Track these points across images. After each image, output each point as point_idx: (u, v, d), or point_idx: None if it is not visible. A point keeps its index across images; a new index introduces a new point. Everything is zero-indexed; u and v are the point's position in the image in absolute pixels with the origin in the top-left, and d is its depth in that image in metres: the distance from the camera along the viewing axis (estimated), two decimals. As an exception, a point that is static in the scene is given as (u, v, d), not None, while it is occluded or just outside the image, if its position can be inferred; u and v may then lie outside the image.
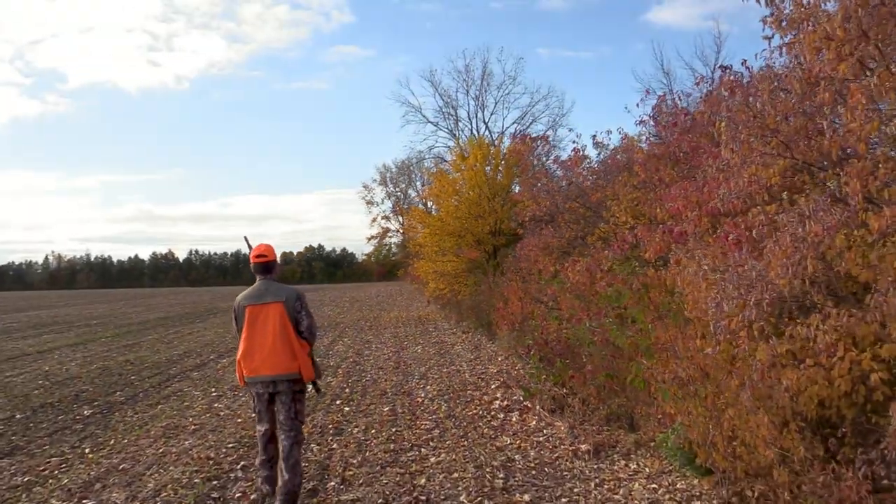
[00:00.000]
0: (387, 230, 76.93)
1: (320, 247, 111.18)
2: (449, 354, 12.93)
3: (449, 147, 44.39)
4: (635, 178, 9.80)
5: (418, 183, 65.39)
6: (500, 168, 25.00)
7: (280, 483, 4.72)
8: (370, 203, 74.37)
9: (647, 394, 5.96)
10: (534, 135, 12.62)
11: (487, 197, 24.43)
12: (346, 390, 9.50)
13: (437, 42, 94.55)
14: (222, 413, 8.26)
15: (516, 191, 25.40)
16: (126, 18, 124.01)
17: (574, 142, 11.70)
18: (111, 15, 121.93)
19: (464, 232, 24.24)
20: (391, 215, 74.38)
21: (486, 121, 43.55)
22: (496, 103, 44.47)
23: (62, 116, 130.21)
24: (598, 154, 10.75)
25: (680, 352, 4.74)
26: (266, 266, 4.95)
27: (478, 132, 39.95)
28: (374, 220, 75.00)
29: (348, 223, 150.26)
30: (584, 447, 5.94)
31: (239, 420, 7.81)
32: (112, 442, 7.06)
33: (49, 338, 19.44)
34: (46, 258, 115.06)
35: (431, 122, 45.15)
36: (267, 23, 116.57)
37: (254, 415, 5.04)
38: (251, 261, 4.99)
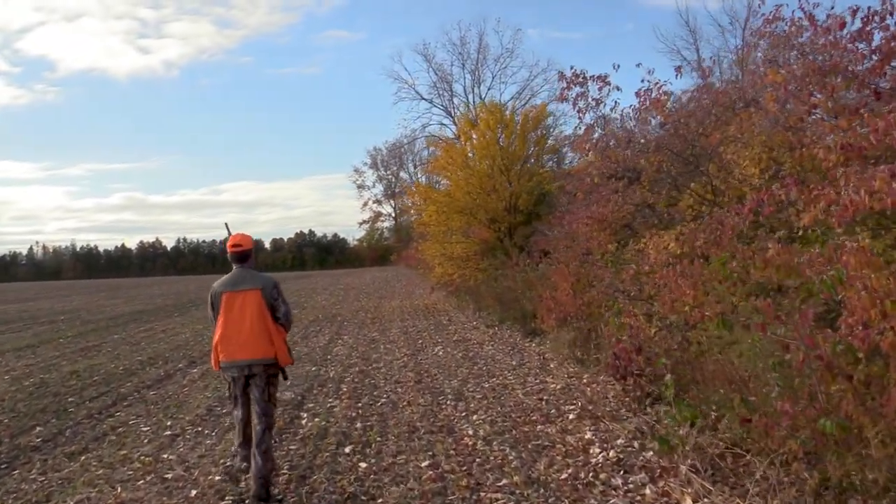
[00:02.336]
0: (379, 214, 74.22)
1: (311, 232, 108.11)
2: (481, 358, 10.10)
3: (444, 124, 41.59)
4: (760, 114, 6.97)
5: (410, 165, 62.32)
6: (514, 134, 21.81)
7: (253, 468, 4.74)
8: (361, 187, 71.57)
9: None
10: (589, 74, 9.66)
11: (501, 168, 21.41)
12: (358, 424, 6.61)
13: (428, 23, 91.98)
14: (171, 474, 5.36)
15: (530, 163, 22.56)
16: (115, 5, 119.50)
17: (644, 80, 8.68)
18: (100, 1, 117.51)
19: (475, 209, 21.21)
20: (383, 199, 71.55)
21: (483, 96, 40.66)
22: (493, 77, 41.63)
23: (51, 105, 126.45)
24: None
25: None
26: (242, 255, 5.01)
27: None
28: (365, 203, 72.53)
29: (339, 208, 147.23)
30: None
31: (193, 493, 4.94)
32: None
33: (1, 339, 16.57)
34: (31, 249, 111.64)
35: (425, 99, 42.40)
36: (258, 7, 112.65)
37: (229, 402, 5.13)
38: (228, 250, 5.03)
